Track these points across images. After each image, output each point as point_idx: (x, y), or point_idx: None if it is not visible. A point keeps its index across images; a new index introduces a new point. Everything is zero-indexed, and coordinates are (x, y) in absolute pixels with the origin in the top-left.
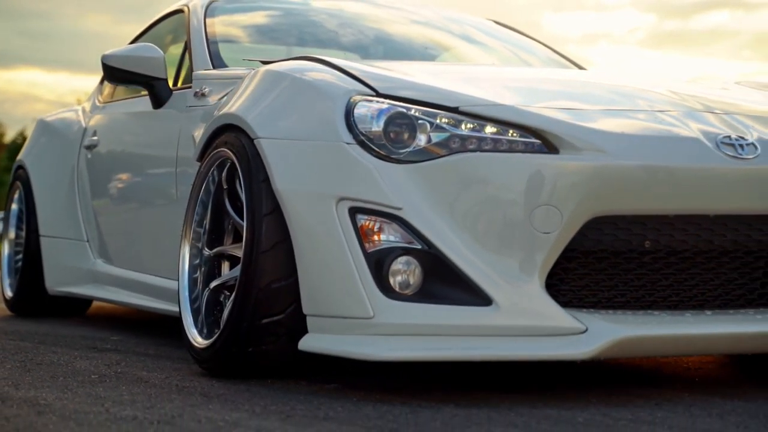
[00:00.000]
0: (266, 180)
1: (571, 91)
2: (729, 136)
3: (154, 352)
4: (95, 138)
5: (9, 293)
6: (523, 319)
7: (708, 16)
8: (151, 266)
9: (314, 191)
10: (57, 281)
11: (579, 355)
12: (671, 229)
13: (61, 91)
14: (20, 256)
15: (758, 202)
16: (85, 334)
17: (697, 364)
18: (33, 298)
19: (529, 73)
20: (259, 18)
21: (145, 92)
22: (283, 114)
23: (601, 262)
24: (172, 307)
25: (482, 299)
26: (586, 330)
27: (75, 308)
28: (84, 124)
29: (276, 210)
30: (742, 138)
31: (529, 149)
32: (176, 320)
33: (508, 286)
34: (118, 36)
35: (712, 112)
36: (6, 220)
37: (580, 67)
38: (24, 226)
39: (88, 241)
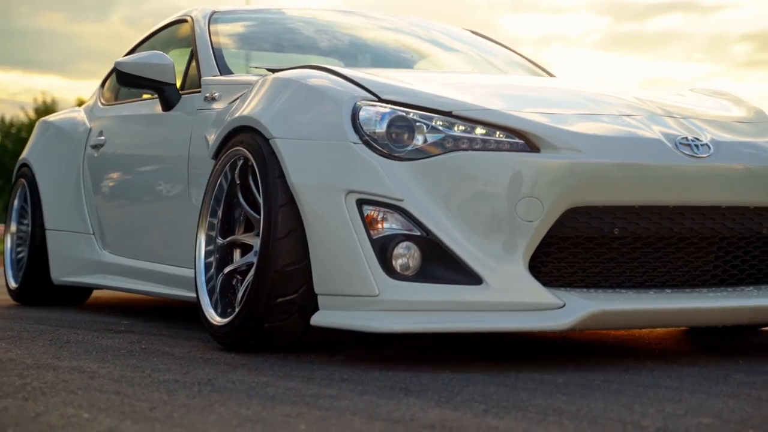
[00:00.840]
0: (281, 175)
1: (549, 97)
2: (686, 138)
3: (167, 333)
4: (102, 138)
5: (13, 284)
6: (510, 296)
7: (662, 19)
8: (162, 256)
9: (325, 185)
10: (63, 272)
11: (558, 327)
12: (637, 218)
13: (13, 90)
14: (21, 248)
15: (711, 195)
16: (95, 319)
17: (658, 338)
18: (38, 288)
19: (511, 80)
20: (254, 27)
21: (148, 95)
22: (295, 117)
23: (577, 246)
24: (183, 293)
25: (474, 279)
26: (564, 305)
27: (76, 297)
28: (89, 125)
29: (290, 202)
30: (698, 139)
31: (513, 148)
32: (182, 305)
33: (496, 268)
34: (73, 34)
35: (672, 117)
36: (9, 215)
37: (550, 74)
38: (26, 221)
39: (93, 233)
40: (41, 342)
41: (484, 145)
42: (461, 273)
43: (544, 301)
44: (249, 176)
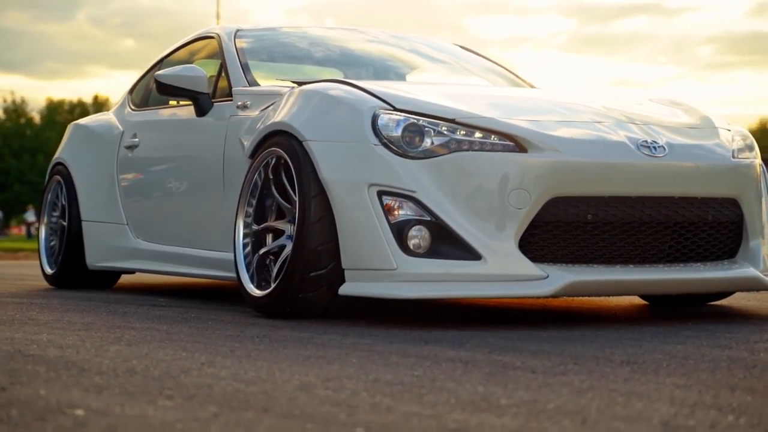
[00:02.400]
0: (313, 171)
1: (533, 106)
2: (646, 141)
3: (206, 308)
4: (136, 140)
5: (48, 270)
6: (503, 270)
7: (627, 21)
8: (197, 241)
9: (350, 179)
10: (98, 258)
11: (542, 294)
12: (606, 206)
13: None
14: (52, 238)
15: (666, 188)
16: (134, 299)
17: (623, 308)
18: (74, 273)
19: (500, 92)
20: (272, 43)
21: (175, 102)
22: (323, 122)
23: (558, 229)
24: (217, 273)
25: (474, 256)
26: (548, 277)
27: (106, 282)
28: (121, 128)
29: (320, 193)
30: (655, 142)
31: (506, 149)
32: (204, 287)
33: (492, 246)
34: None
35: (634, 123)
36: (43, 208)
37: (531, 85)
38: (56, 213)
39: (127, 223)
40: (104, 313)
41: (482, 147)
42: (463, 251)
43: (531, 273)
44: (281, 172)
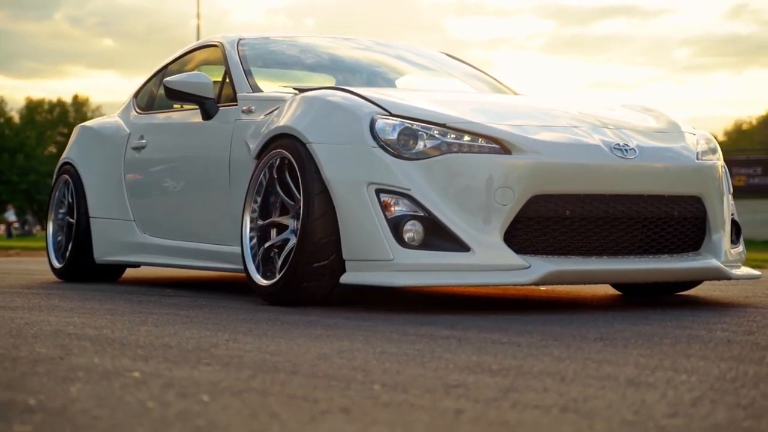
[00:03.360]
0: (316, 171)
1: (517, 111)
2: (618, 144)
3: (213, 297)
4: (143, 141)
5: (57, 264)
6: (490, 260)
7: (605, 23)
8: (204, 236)
9: (351, 178)
10: (105, 252)
11: (525, 282)
12: (582, 203)
13: None
14: (59, 234)
15: (637, 187)
16: (142, 291)
17: (597, 298)
18: (82, 266)
19: (487, 98)
20: (272, 50)
21: (179, 106)
22: (325, 126)
23: (539, 224)
24: (223, 265)
25: (463, 248)
26: (530, 266)
27: (111, 275)
28: (127, 130)
29: (323, 191)
30: (627, 145)
31: (492, 151)
32: (207, 280)
33: (480, 239)
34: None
35: (608, 127)
36: (51, 205)
37: (514, 91)
38: (63, 210)
39: (134, 220)
40: (121, 301)
41: (470, 149)
42: (454, 243)
43: (515, 263)
44: (285, 172)
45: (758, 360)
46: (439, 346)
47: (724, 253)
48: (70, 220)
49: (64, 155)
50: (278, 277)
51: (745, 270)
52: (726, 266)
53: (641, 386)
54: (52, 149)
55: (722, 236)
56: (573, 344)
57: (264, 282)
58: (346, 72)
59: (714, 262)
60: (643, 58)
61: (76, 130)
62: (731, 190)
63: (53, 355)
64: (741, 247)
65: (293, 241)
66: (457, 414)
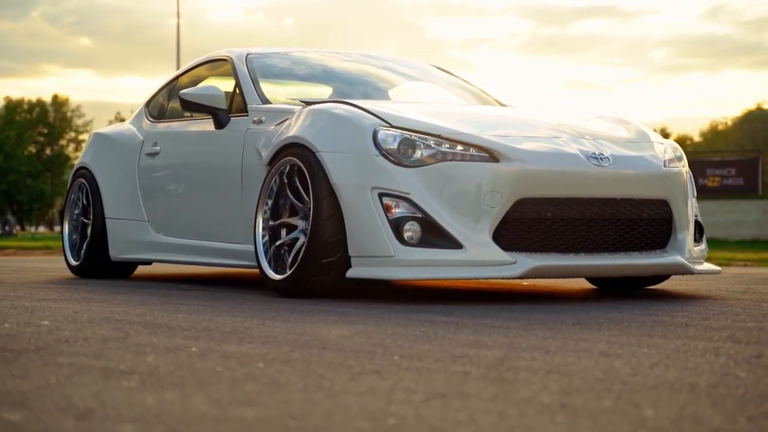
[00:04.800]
0: (325, 177)
1: (503, 123)
2: (594, 152)
3: (228, 291)
4: (157, 148)
5: (73, 261)
6: (480, 257)
7: (584, 24)
8: (216, 235)
9: (356, 183)
10: (120, 251)
11: (511, 276)
12: (563, 206)
13: None
14: (74, 233)
15: (610, 191)
16: (159, 286)
17: (575, 290)
18: (98, 264)
19: (476, 110)
20: (279, 64)
21: (188, 115)
22: (332, 137)
23: (524, 224)
24: (235, 262)
25: (457, 245)
26: (515, 262)
27: (124, 272)
28: (141, 137)
29: (331, 195)
30: (602, 153)
31: (482, 160)
32: (216, 276)
33: (472, 238)
34: None
35: (584, 138)
36: (66, 207)
37: (501, 103)
38: (77, 212)
39: (148, 220)
40: (146, 294)
41: (463, 157)
42: (448, 241)
43: (502, 259)
44: (295, 177)
45: (708, 338)
46: (440, 329)
47: (688, 251)
48: (85, 221)
49: (79, 160)
50: (290, 272)
51: (707, 266)
52: (689, 262)
53: (610, 356)
54: (32, 149)
55: (686, 235)
56: (554, 327)
57: (276, 276)
58: (342, 82)
59: (679, 259)
60: (621, 58)
61: (90, 136)
62: (695, 194)
63: (116, 336)
64: (703, 246)
65: (302, 239)
66: (465, 375)
